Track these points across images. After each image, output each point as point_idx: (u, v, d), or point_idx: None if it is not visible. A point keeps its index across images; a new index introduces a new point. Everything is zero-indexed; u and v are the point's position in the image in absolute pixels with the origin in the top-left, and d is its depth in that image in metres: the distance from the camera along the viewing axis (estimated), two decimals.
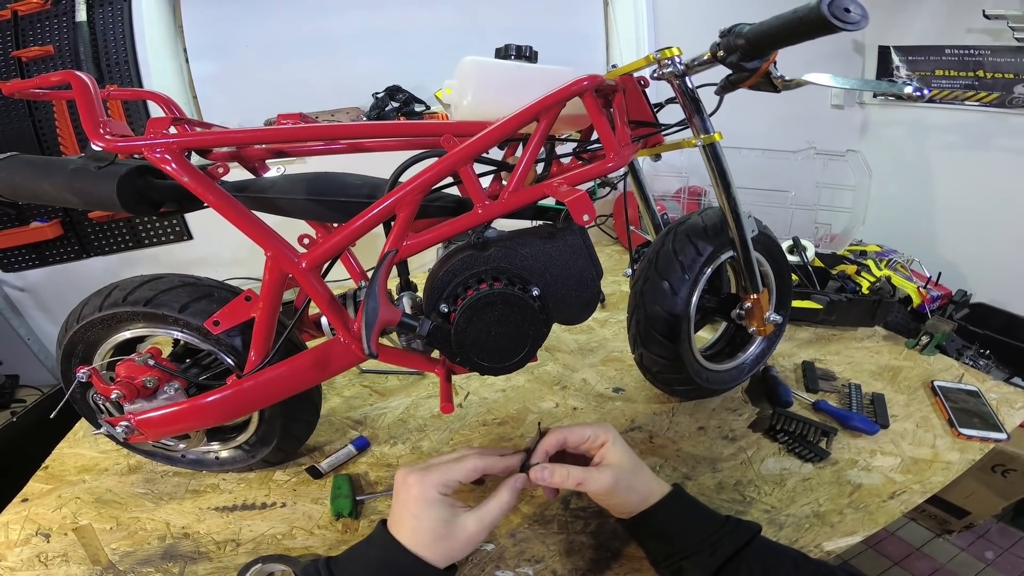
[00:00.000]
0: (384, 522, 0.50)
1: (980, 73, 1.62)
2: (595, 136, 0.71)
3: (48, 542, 0.65)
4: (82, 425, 0.87)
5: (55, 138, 1.28)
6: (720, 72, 0.65)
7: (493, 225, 0.58)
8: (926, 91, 0.55)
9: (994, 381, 0.91)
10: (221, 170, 0.60)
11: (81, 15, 1.26)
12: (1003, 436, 0.76)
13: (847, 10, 0.49)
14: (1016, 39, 1.49)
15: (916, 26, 1.74)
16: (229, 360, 0.66)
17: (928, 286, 1.43)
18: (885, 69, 1.86)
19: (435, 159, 0.56)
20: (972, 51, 1.62)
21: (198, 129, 0.66)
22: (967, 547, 1.45)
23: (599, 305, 1.21)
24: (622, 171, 0.83)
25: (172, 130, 0.56)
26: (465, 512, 0.49)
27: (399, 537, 0.47)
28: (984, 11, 1.51)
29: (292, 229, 0.65)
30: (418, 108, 1.47)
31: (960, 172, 1.74)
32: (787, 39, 0.55)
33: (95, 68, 1.28)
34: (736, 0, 1.65)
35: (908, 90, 0.55)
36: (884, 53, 1.84)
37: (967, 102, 1.68)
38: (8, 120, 1.27)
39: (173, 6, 1.42)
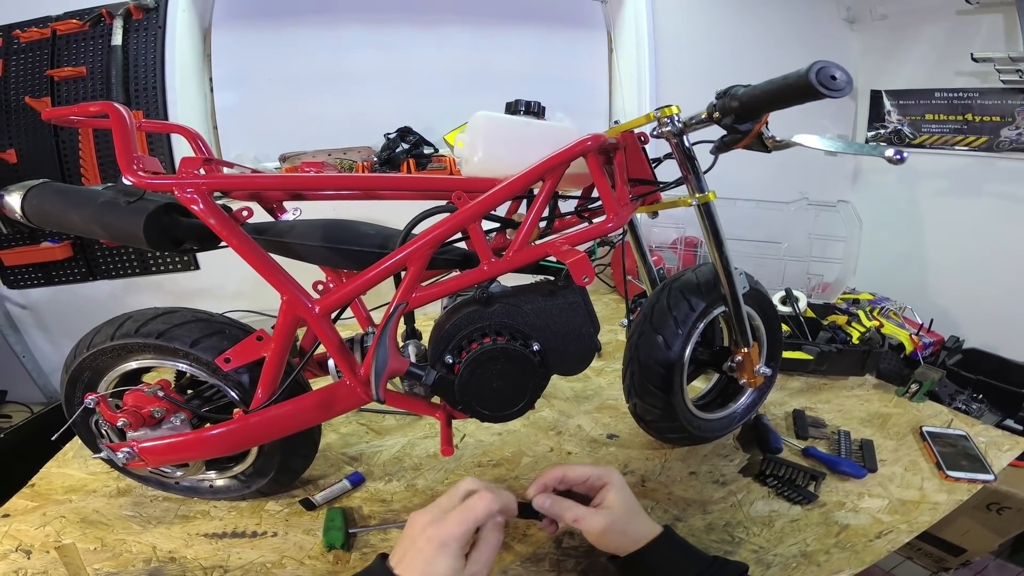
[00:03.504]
0: (383, 556, 0.50)
1: (969, 116, 1.66)
2: (596, 193, 0.74)
3: (28, 559, 0.65)
4: (72, 446, 0.87)
5: (77, 162, 1.31)
6: (714, 130, 0.67)
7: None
8: (906, 154, 0.57)
9: (983, 425, 0.93)
10: (245, 213, 0.63)
11: (117, 39, 1.30)
12: (990, 477, 0.78)
13: (833, 78, 0.52)
14: (1003, 81, 1.53)
15: (906, 70, 1.80)
16: (234, 395, 0.68)
17: (920, 333, 1.45)
18: (877, 113, 1.91)
19: (445, 215, 0.59)
20: (961, 94, 1.67)
21: (226, 170, 0.69)
22: None
23: (596, 354, 1.23)
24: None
25: (201, 171, 0.59)
26: (469, 558, 0.50)
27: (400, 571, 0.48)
28: (972, 54, 1.56)
29: (304, 267, 0.68)
30: (427, 151, 1.51)
31: (950, 218, 1.78)
32: (777, 103, 0.58)
33: (124, 92, 1.32)
34: (732, 50, 1.75)
35: (889, 153, 0.56)
36: (876, 97, 1.90)
37: (956, 147, 1.71)
38: (34, 142, 1.31)
39: (204, 35, 1.49)
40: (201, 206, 0.57)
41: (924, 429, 0.90)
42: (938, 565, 1.45)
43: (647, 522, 0.58)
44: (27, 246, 1.33)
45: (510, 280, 0.66)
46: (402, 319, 0.67)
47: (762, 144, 0.66)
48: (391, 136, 1.50)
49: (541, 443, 0.90)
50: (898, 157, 0.56)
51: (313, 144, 1.50)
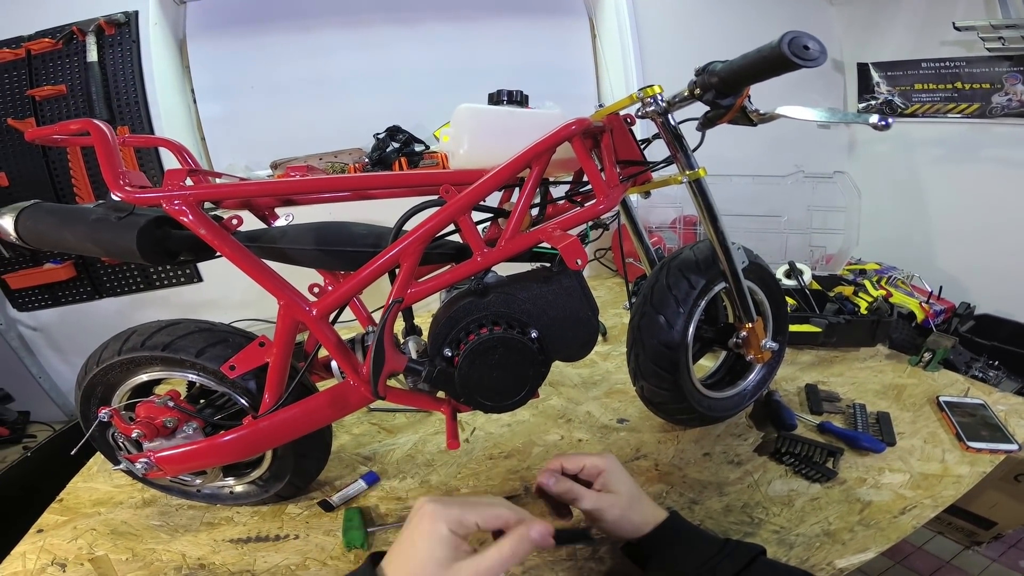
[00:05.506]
0: (374, 556, 0.46)
1: (958, 85, 1.65)
2: (586, 178, 0.74)
3: (64, 572, 0.67)
4: (96, 460, 0.89)
5: (69, 181, 1.32)
6: (700, 107, 0.67)
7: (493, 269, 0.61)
8: (890, 120, 0.56)
9: (1001, 393, 0.91)
10: (235, 222, 0.63)
11: (92, 55, 1.30)
12: (1014, 447, 0.77)
13: (806, 47, 0.52)
14: (987, 49, 1.51)
15: (891, 42, 1.78)
16: (243, 401, 0.69)
17: (930, 301, 1.44)
18: (866, 85, 1.89)
19: (436, 208, 0.59)
20: (948, 63, 1.65)
21: (213, 180, 0.69)
22: (998, 557, 1.42)
23: (601, 339, 1.23)
24: (614, 211, 0.86)
25: (188, 181, 0.59)
26: (466, 558, 0.44)
27: (387, 568, 0.44)
28: (954, 23, 1.53)
29: (302, 272, 0.68)
30: (418, 148, 1.51)
31: (950, 185, 1.76)
32: (754, 76, 0.57)
33: (107, 108, 1.32)
34: (717, 26, 1.72)
35: (873, 120, 0.56)
36: (863, 70, 1.87)
37: (949, 115, 1.69)
38: (24, 163, 1.31)
39: (180, 47, 1.49)
40: (190, 217, 0.57)
41: (941, 399, 0.89)
42: (970, 539, 1.41)
43: (651, 507, 0.58)
44: (31, 268, 1.34)
45: (511, 270, 0.66)
46: (402, 315, 0.67)
47: (747, 118, 0.66)
48: (380, 136, 1.50)
49: (551, 432, 0.91)
50: (883, 123, 0.56)
51: (304, 149, 1.49)
